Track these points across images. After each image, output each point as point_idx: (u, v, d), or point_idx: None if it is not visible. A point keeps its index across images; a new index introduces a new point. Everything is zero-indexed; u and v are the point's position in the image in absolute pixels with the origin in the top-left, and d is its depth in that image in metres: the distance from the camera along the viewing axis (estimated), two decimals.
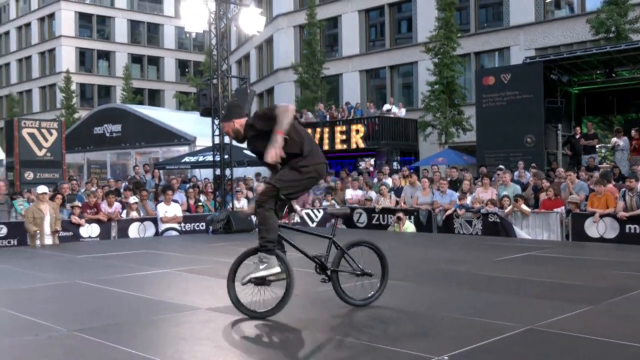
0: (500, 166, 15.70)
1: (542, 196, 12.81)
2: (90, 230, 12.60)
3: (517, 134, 17.01)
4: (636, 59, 17.18)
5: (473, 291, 6.46)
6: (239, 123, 5.29)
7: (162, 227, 13.43)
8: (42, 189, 11.64)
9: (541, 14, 27.20)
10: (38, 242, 11.29)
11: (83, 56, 55.17)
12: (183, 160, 20.96)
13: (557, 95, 17.85)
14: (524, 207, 12.54)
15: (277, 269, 5.20)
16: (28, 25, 58.20)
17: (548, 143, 17.71)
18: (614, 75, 17.87)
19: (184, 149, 23.35)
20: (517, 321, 4.93)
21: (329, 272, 5.54)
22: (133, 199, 13.63)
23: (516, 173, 15.20)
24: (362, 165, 23.45)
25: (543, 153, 17.16)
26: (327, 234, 5.62)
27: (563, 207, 12.21)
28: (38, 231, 11.23)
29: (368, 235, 13.06)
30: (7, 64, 60.74)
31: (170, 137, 24.39)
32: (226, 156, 14.78)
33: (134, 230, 13.23)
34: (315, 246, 5.66)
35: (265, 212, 5.11)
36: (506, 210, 12.66)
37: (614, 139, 17.10)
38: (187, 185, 16.58)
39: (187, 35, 55.25)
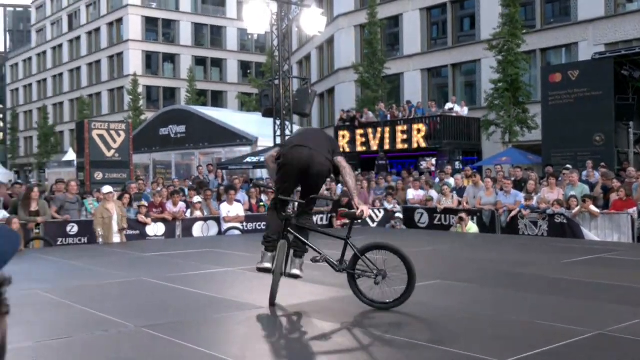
0: (568, 166, 15.24)
1: (613, 197, 12.35)
2: (156, 229, 12.95)
3: (586, 133, 16.48)
4: None
5: (539, 294, 6.30)
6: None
7: (225, 226, 13.67)
8: (107, 189, 12.03)
9: (612, 8, 26.19)
10: (100, 239, 11.67)
11: (149, 59, 56.77)
12: (245, 161, 21.26)
13: (628, 92, 17.18)
14: (592, 207, 12.13)
15: (267, 265, 5.63)
16: (98, 30, 60.37)
17: (619, 142, 17.08)
18: None
19: (246, 150, 23.66)
20: (586, 326, 4.78)
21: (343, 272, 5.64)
22: (197, 199, 13.93)
23: (584, 173, 14.72)
24: (424, 165, 23.22)
25: (613, 152, 16.55)
26: (343, 236, 5.71)
27: (635, 208, 11.74)
28: (102, 233, 11.61)
29: (429, 236, 12.96)
30: (78, 68, 63.19)
31: (233, 137, 24.77)
32: None
33: (197, 229, 13.52)
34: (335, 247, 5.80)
35: (269, 211, 5.82)
36: (574, 211, 12.27)
37: None
38: (249, 185, 16.81)
39: (250, 37, 56.11)
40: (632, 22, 25.44)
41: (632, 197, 12.13)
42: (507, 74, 23.11)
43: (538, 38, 27.70)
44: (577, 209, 12.24)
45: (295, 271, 5.72)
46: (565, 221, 12.43)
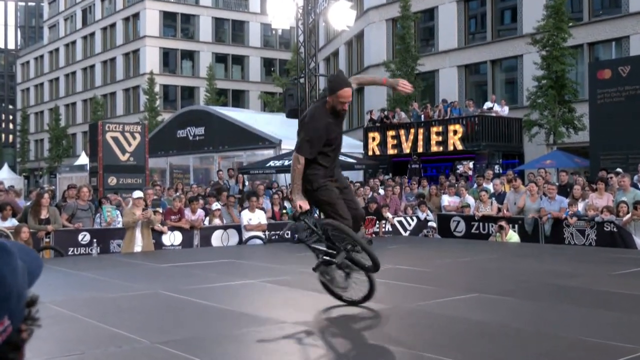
0: (618, 169, 15.03)
1: None
2: (172, 238, 13.04)
3: (637, 134, 16.23)
4: None
5: (586, 308, 6.22)
6: None
7: (246, 235, 13.72)
8: (138, 193, 12.15)
9: None
10: (138, 244, 11.77)
11: (167, 57, 57.44)
12: (268, 165, 21.34)
13: None
14: None
15: None
16: (113, 25, 61.29)
17: None
18: None
19: (269, 153, 23.76)
20: (634, 342, 4.72)
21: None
22: (216, 206, 14.01)
23: (636, 177, 14.49)
24: (460, 168, 23.08)
25: None
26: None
27: None
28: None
29: (466, 246, 12.87)
30: (92, 66, 64.19)
31: (255, 140, 24.89)
32: None
33: (217, 239, 13.58)
34: None
35: None
36: (624, 219, 12.07)
37: None
38: (272, 191, 16.88)
39: (273, 32, 56.36)
40: None
41: None
42: (551, 71, 22.90)
43: (585, 31, 27.38)
44: (628, 216, 12.04)
45: None
46: (615, 229, 12.23)
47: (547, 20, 23.33)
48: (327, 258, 5.72)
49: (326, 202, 5.61)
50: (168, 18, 57.34)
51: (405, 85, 5.93)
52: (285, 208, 15.39)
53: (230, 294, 7.51)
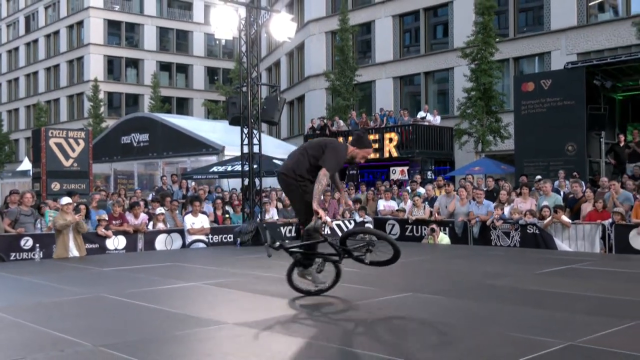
0: (538, 176, 15.53)
1: (585, 207, 12.61)
2: (116, 243, 12.78)
3: (558, 142, 16.80)
4: None
5: (512, 306, 6.40)
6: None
7: (189, 239, 13.57)
8: (66, 199, 11.86)
9: (584, 18, 26.83)
10: (71, 249, 11.47)
11: (111, 64, 56.26)
12: (211, 170, 21.15)
13: (600, 102, 17.57)
14: (564, 218, 12.36)
15: None
16: (57, 33, 59.65)
17: (590, 151, 17.44)
18: None
19: (212, 159, 23.56)
20: (558, 337, 4.88)
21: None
22: (160, 210, 13.80)
23: (556, 182, 15.00)
24: (395, 174, 23.38)
25: (585, 162, 16.89)
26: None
27: (609, 220, 12.00)
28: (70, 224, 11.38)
29: (401, 247, 13.03)
30: (35, 73, 62.29)
31: (199, 146, 24.63)
32: (255, 166, 14.89)
33: (160, 242, 13.39)
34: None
35: None
36: (545, 222, 12.48)
37: None
38: (214, 196, 16.73)
39: (217, 42, 55.97)
40: (604, 32, 26.09)
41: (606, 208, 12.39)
42: (480, 83, 23.49)
43: (511, 47, 28.23)
44: (549, 219, 12.46)
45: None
46: (537, 232, 12.63)
47: (476, 36, 23.94)
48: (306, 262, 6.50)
49: (308, 204, 6.27)
50: (113, 26, 56.16)
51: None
52: (227, 212, 15.27)
53: (173, 296, 7.40)
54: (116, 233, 12.79)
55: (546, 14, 27.95)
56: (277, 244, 6.55)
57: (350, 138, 6.71)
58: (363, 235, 6.64)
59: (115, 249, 12.74)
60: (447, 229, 13.98)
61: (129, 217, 13.35)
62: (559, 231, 12.43)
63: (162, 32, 58.33)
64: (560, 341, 4.76)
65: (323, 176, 6.11)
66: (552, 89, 17.33)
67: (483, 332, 5.25)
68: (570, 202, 13.30)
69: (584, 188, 13.65)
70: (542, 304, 6.54)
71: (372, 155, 23.87)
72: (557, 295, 7.04)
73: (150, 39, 57.20)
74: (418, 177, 17.82)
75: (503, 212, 13.36)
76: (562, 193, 14.21)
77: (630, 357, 4.39)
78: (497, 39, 24.90)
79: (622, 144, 17.44)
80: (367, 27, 34.54)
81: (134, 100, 56.44)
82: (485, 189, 14.91)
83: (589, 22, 26.85)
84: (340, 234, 15.34)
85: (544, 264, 9.85)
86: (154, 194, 17.67)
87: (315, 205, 6.09)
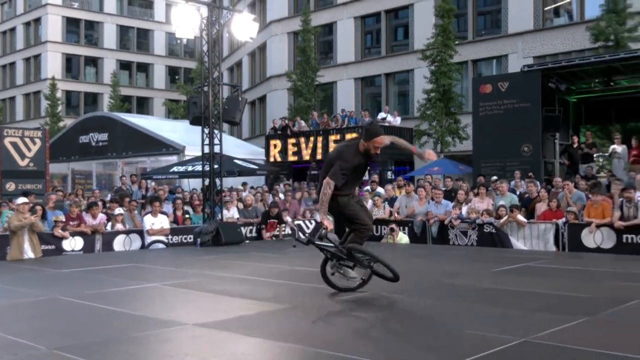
0: (494, 177, 15.79)
1: (539, 206, 12.88)
2: (73, 244, 12.54)
3: (514, 143, 17.11)
4: (635, 67, 17.33)
5: (469, 304, 6.49)
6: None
7: (149, 239, 13.40)
8: (21, 199, 11.60)
9: (540, 22, 27.40)
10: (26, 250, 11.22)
11: (69, 62, 55.17)
12: (171, 170, 20.96)
13: (555, 104, 17.97)
14: (519, 217, 12.60)
15: None
16: (13, 30, 58.23)
17: (545, 152, 17.82)
18: (612, 84, 18.03)
19: (173, 159, 23.35)
20: (513, 334, 4.98)
21: None
22: (118, 211, 13.59)
23: (512, 183, 15.27)
24: None
25: (540, 162, 17.25)
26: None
27: (563, 219, 12.27)
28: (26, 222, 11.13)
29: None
30: None
31: (159, 146, 24.38)
32: (216, 166, 14.79)
33: (119, 243, 13.19)
34: None
35: None
36: (501, 221, 12.71)
37: (613, 146, 17.25)
38: (174, 196, 16.56)
39: (178, 41, 55.35)
40: (559, 36, 26.68)
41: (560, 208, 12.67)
42: (439, 84, 23.77)
43: (470, 49, 28.64)
44: (504, 218, 12.69)
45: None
46: (494, 231, 12.85)
47: (436, 38, 24.22)
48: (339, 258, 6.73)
49: (352, 216, 6.59)
50: (71, 24, 55.07)
51: (430, 155, 7.21)
52: (187, 213, 15.13)
53: (131, 297, 7.30)
54: (73, 234, 12.55)
55: (504, 18, 28.45)
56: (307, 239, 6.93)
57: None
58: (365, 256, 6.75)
59: (73, 250, 12.50)
60: (406, 228, 14.10)
61: (87, 217, 13.12)
62: (515, 230, 12.67)
63: (123, 30, 57.44)
64: (514, 337, 4.86)
65: (326, 185, 6.36)
66: (509, 91, 17.64)
67: (441, 330, 5.32)
68: (525, 201, 13.58)
69: (539, 188, 13.96)
70: (498, 301, 6.66)
71: None
72: (513, 293, 7.18)
73: (110, 37, 56.27)
74: (376, 177, 17.97)
75: (461, 212, 13.56)
76: (517, 193, 14.48)
77: (581, 352, 4.51)
78: (457, 42, 25.24)
79: (575, 145, 17.86)
80: (329, 28, 34.64)
81: (92, 99, 55.45)
82: (443, 189, 15.09)
83: (545, 27, 27.42)
84: (301, 234, 15.37)
85: (500, 263, 10.02)
86: (112, 194, 17.41)
87: (321, 215, 6.48)
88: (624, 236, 11.38)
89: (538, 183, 14.99)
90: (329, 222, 6.53)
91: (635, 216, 11.40)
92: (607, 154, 18.17)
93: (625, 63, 16.91)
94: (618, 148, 16.97)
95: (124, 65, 56.90)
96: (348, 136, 24.10)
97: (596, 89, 18.89)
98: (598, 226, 11.64)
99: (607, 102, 19.39)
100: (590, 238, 11.72)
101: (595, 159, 18.24)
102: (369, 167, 6.80)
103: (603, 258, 10.93)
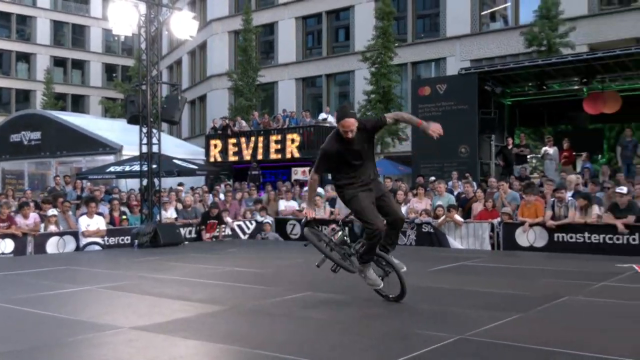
0: (432, 177, 16.09)
1: (476, 206, 13.20)
2: (3, 246, 12.09)
3: (452, 144, 17.43)
4: (566, 72, 17.99)
5: (406, 302, 6.57)
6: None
7: (84, 241, 13.05)
8: None
9: (477, 26, 28.09)
10: None
11: (0, 58, 53.15)
12: (108, 170, 20.48)
13: (491, 106, 18.44)
14: (457, 217, 12.89)
15: None
16: None
17: (482, 153, 18.27)
18: (545, 87, 18.65)
19: (109, 158, 22.84)
20: (448, 331, 5.08)
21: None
22: (52, 212, 13.18)
23: (450, 183, 15.59)
24: (297, 175, 23.51)
25: (477, 163, 17.68)
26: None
27: (498, 218, 12.61)
28: None
29: (301, 247, 13.11)
30: None
31: (95, 145, 23.79)
32: (155, 166, 14.53)
33: (52, 245, 12.78)
34: None
35: None
36: (439, 221, 12.96)
37: (545, 148, 17.85)
38: (111, 197, 16.19)
39: (115, 38, 54.14)
40: (495, 40, 27.43)
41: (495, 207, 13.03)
42: (379, 86, 24.05)
43: (409, 52, 29.10)
44: (442, 218, 12.95)
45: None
46: (432, 230, 13.10)
47: (376, 40, 24.52)
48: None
49: (356, 211, 6.16)
50: (2, 18, 53.05)
51: (435, 130, 6.30)
52: (125, 214, 14.80)
53: (64, 301, 7.09)
54: (3, 236, 12.10)
55: (442, 22, 29.04)
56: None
57: None
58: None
59: (3, 253, 12.05)
60: (346, 228, 14.14)
61: (18, 218, 12.66)
62: (452, 230, 12.95)
63: (57, 26, 55.72)
64: (451, 335, 4.95)
65: (310, 179, 6.33)
66: (447, 94, 18.00)
67: (378, 329, 5.37)
68: (462, 201, 13.89)
69: (475, 188, 14.30)
70: (435, 300, 6.78)
71: (274, 156, 24.21)
72: (450, 292, 7.33)
73: (43, 32, 54.48)
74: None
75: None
76: (455, 193, 14.80)
77: (514, 348, 4.64)
78: (396, 44, 25.61)
79: (510, 147, 18.37)
80: (270, 28, 34.57)
81: (24, 97, 53.56)
82: None
83: (482, 31, 28.15)
84: (241, 236, 15.30)
85: (437, 262, 10.22)
86: (45, 194, 16.87)
87: (305, 208, 6.44)
88: (556, 235, 11.81)
89: (474, 183, 15.35)
90: (309, 210, 6.45)
91: (566, 216, 11.83)
92: (539, 156, 18.78)
93: (557, 68, 17.53)
94: (550, 150, 17.57)
95: (59, 62, 55.24)
96: (289, 136, 24.15)
97: (530, 93, 19.49)
98: (531, 225, 12.03)
99: (540, 105, 20.05)
100: (524, 237, 12.10)
101: (528, 160, 18.81)
102: (360, 152, 6.05)
103: (536, 256, 11.31)
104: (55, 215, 13.13)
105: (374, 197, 6.18)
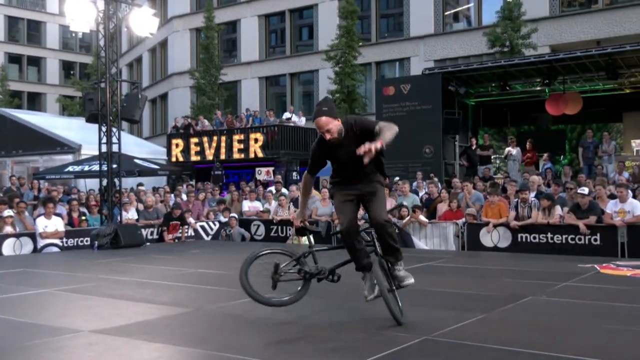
0: (397, 178, 16.20)
1: (441, 207, 13.33)
2: None
3: (416, 145, 17.62)
4: (528, 73, 18.32)
5: (371, 303, 6.58)
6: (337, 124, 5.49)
7: (41, 243, 12.78)
8: None
9: (440, 26, 28.38)
10: None
11: None
12: (66, 170, 20.12)
13: (455, 107, 18.67)
14: (421, 217, 13.00)
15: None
16: None
17: (446, 154, 18.47)
18: (508, 88, 18.96)
19: (68, 158, 22.44)
20: (413, 332, 5.12)
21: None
22: (7, 213, 12.87)
23: (415, 183, 15.72)
24: (261, 175, 23.44)
25: (441, 163, 17.87)
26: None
27: (463, 219, 12.76)
28: None
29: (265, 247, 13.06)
30: None
31: (52, 144, 23.35)
32: (115, 165, 14.31)
33: (8, 247, 12.48)
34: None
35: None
36: (404, 221, 13.06)
37: (508, 148, 18.14)
38: (70, 197, 15.89)
39: (73, 34, 53.14)
40: (458, 40, 27.75)
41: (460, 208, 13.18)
42: (343, 85, 24.13)
43: (373, 51, 29.25)
44: (407, 219, 13.05)
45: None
46: (396, 230, 13.14)
47: (340, 40, 24.60)
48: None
49: (335, 209, 6.17)
50: None
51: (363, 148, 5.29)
52: (84, 215, 14.54)
53: (20, 304, 6.92)
54: None
55: (406, 21, 29.26)
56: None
57: None
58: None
59: None
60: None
61: None
62: (417, 230, 13.05)
63: (12, 21, 54.45)
64: (416, 336, 4.99)
65: (302, 179, 6.15)
66: (411, 94, 18.17)
67: (340, 330, 5.38)
68: (427, 202, 14.03)
69: (440, 189, 14.45)
70: (401, 300, 6.80)
71: (237, 156, 24.08)
72: (415, 292, 7.34)
73: None
74: (279, 177, 18.03)
75: (365, 212, 13.77)
76: (419, 193, 14.92)
77: (477, 348, 4.69)
78: (360, 43, 25.72)
79: (473, 147, 18.62)
80: (232, 26, 34.37)
81: None
82: None
83: (445, 31, 28.45)
84: (205, 237, 15.17)
85: (403, 262, 10.26)
86: (0, 194, 16.46)
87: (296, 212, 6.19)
88: (519, 235, 12.00)
89: (439, 184, 15.50)
90: (295, 219, 6.12)
91: (529, 216, 12.04)
92: (503, 156, 19.08)
93: (519, 68, 17.85)
94: (513, 150, 17.87)
95: (14, 59, 53.97)
96: (252, 136, 24.05)
97: (493, 93, 19.80)
98: (495, 226, 12.21)
99: (503, 105, 20.39)
100: (488, 237, 12.27)
101: (492, 160, 19.10)
102: (348, 152, 5.45)
103: (499, 256, 11.48)
104: (11, 216, 12.83)
105: (355, 196, 5.88)
